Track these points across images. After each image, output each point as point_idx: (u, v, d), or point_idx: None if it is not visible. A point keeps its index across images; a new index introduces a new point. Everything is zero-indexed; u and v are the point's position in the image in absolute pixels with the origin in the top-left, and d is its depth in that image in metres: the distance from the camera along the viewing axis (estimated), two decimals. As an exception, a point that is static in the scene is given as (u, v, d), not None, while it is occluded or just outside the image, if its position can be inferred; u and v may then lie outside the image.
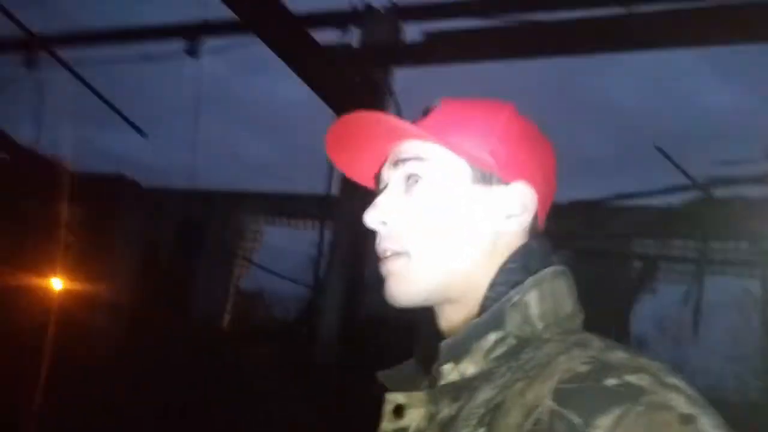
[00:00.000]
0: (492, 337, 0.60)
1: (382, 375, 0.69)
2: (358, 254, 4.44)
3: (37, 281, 7.96)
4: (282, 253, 10.91)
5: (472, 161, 0.66)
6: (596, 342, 0.56)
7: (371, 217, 0.67)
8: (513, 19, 3.38)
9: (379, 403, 0.65)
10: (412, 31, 3.78)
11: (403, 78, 4.07)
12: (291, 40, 3.30)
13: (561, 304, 0.64)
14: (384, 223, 0.67)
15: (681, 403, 0.48)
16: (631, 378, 0.49)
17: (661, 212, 6.09)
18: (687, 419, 0.47)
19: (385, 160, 0.71)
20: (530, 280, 0.63)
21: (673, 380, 0.51)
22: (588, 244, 5.92)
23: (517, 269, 0.64)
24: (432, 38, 3.45)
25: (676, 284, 6.31)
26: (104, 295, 8.73)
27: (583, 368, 0.51)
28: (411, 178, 0.67)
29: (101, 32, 4.80)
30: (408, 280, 0.66)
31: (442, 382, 0.61)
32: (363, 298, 4.71)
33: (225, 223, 9.10)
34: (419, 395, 0.63)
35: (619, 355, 0.53)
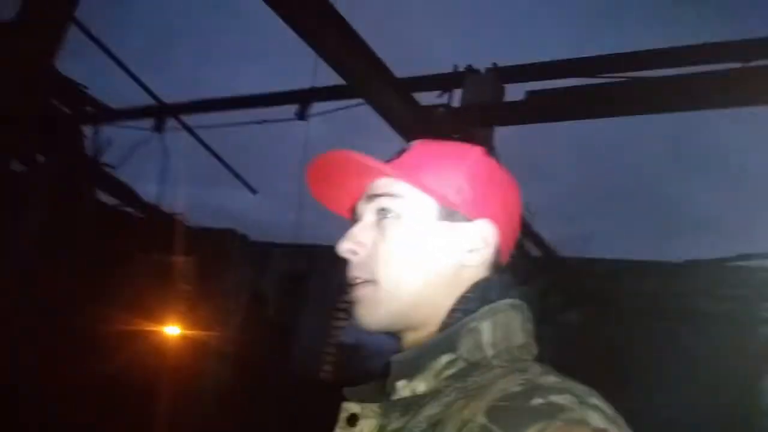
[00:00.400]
0: (444, 358, 0.64)
1: (347, 390, 0.73)
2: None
3: (156, 328, 8.49)
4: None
5: (439, 199, 0.71)
6: (535, 368, 0.61)
7: (343, 247, 0.73)
8: (617, 77, 3.32)
9: None
10: (515, 91, 3.80)
11: (506, 136, 4.08)
12: (395, 103, 3.42)
13: (512, 335, 0.67)
14: (355, 252, 0.72)
15: (596, 420, 0.52)
16: (555, 398, 0.54)
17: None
18: None
19: (362, 195, 0.76)
20: (486, 309, 0.67)
21: (594, 401, 0.55)
22: (709, 306, 5.47)
23: (476, 299, 0.69)
24: (534, 97, 3.45)
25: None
26: (214, 342, 9.16)
27: (516, 389, 0.56)
28: (382, 213, 0.72)
29: (221, 100, 5.21)
30: (374, 306, 0.71)
31: (395, 397, 0.65)
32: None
33: (327, 277, 9.35)
34: (372, 407, 0.67)
35: (550, 379, 0.58)
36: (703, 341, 5.43)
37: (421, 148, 0.76)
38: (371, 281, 0.71)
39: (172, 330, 9.35)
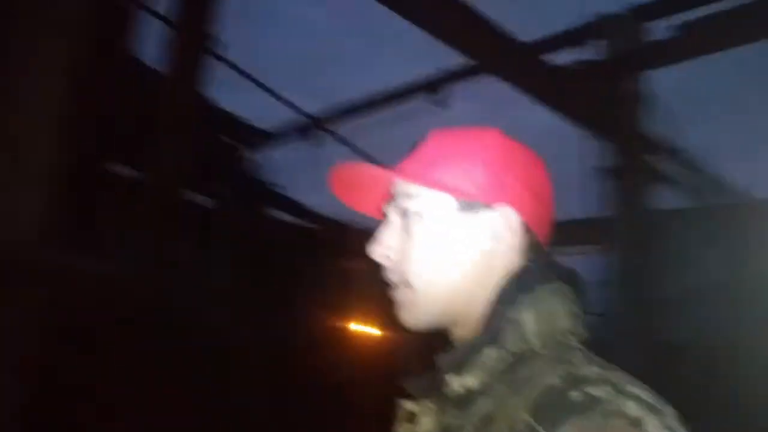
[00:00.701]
0: (490, 352, 0.65)
1: (406, 383, 0.73)
2: (648, 277, 4.10)
3: (355, 328, 9.05)
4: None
5: (454, 192, 0.70)
6: (578, 357, 0.61)
7: (375, 252, 0.73)
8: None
9: None
10: (658, 30, 3.45)
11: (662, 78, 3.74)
12: (529, 72, 3.31)
13: (556, 321, 0.66)
14: (386, 256, 0.73)
15: (632, 409, 0.53)
16: (592, 389, 0.55)
17: None
18: (636, 422, 0.53)
19: (387, 197, 0.76)
20: (527, 298, 0.66)
21: (631, 389, 0.56)
22: None
23: (515, 288, 0.68)
24: (689, 29, 3.10)
25: None
26: (411, 343, 9.47)
27: (557, 382, 0.57)
28: (405, 214, 0.72)
29: (362, 103, 5.41)
30: (412, 308, 0.71)
31: (448, 392, 0.66)
32: (659, 324, 4.30)
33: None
34: (428, 404, 0.70)
35: (590, 369, 0.59)
36: None
37: (435, 139, 0.75)
38: (405, 284, 0.72)
39: (371, 330, 9.88)
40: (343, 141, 6.27)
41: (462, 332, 0.72)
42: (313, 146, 6.00)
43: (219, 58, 5.16)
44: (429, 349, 0.75)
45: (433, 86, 4.88)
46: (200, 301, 6.05)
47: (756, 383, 6.24)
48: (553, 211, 0.74)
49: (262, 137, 6.57)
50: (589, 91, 3.56)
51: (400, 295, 0.73)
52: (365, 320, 9.37)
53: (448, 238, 0.71)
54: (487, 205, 0.70)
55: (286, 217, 8.99)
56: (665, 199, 4.99)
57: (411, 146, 0.76)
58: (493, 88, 4.69)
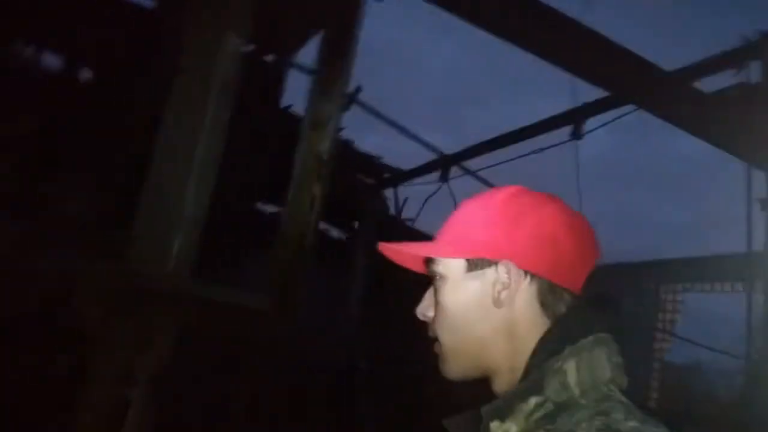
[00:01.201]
0: (533, 401, 0.67)
1: (446, 421, 0.76)
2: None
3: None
4: (711, 321, 9.64)
5: (457, 255, 0.76)
6: (619, 411, 0.63)
7: (418, 311, 0.82)
8: None
9: None
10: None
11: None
12: (674, 100, 3.11)
13: (598, 371, 0.68)
14: (425, 315, 0.81)
15: None
16: None
17: None
18: None
19: None
20: (569, 348, 0.68)
21: None
22: None
23: (557, 339, 0.70)
24: None
25: None
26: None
27: None
28: (434, 277, 0.80)
29: (493, 140, 5.39)
30: (445, 362, 0.78)
31: None
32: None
33: (638, 294, 8.63)
34: None
35: (628, 425, 0.61)
36: None
37: (461, 207, 0.81)
38: (438, 340, 0.79)
39: None
40: (473, 175, 6.27)
41: (500, 380, 0.76)
42: (444, 182, 6.06)
43: (359, 102, 5.44)
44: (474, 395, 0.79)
45: (569, 119, 4.75)
46: (333, 334, 6.30)
47: None
48: (580, 254, 0.75)
49: (398, 176, 6.76)
50: (743, 116, 3.26)
51: (436, 349, 0.80)
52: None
53: (460, 297, 0.77)
54: (492, 262, 0.75)
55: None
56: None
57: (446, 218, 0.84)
58: (626, 118, 4.49)
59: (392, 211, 7.43)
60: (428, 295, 0.83)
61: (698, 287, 8.41)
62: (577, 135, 4.83)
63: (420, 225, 7.34)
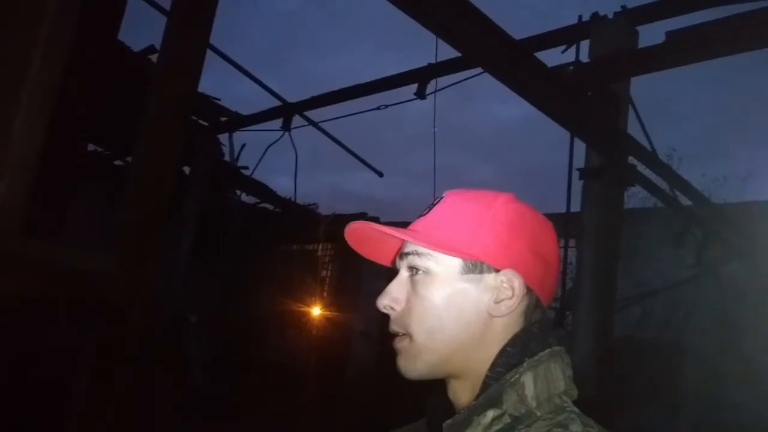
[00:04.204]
0: (490, 414, 0.67)
1: None
2: (607, 273, 4.17)
3: (300, 310, 9.05)
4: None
5: (461, 254, 0.73)
6: (576, 423, 0.64)
7: (381, 303, 0.77)
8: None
9: None
10: (650, 34, 3.46)
11: (641, 82, 3.76)
12: (519, 69, 3.26)
13: (554, 384, 0.69)
14: (392, 308, 0.77)
15: None
16: None
17: None
18: None
19: (399, 250, 0.80)
20: (527, 362, 0.69)
21: None
22: None
23: (516, 352, 0.71)
24: (675, 37, 3.11)
25: None
26: (356, 323, 9.56)
27: None
28: (412, 270, 0.76)
29: (341, 91, 5.30)
30: (411, 358, 0.74)
31: None
32: (614, 318, 4.40)
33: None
34: None
35: None
36: None
37: (449, 199, 0.78)
38: (406, 335, 0.75)
39: (316, 311, 9.92)
40: (317, 126, 6.16)
41: (459, 387, 0.75)
42: (286, 131, 5.85)
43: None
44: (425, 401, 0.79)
45: (415, 78, 4.82)
46: (167, 284, 5.92)
47: (695, 378, 6.51)
48: (557, 275, 0.77)
49: (236, 120, 6.39)
50: (573, 91, 3.54)
51: (399, 344, 0.76)
52: (324, 302, 9.35)
53: (453, 297, 0.73)
54: (492, 268, 0.73)
55: (252, 199, 8.83)
56: (637, 199, 5.10)
57: (429, 204, 0.79)
58: (470, 81, 4.68)
59: (227, 157, 7.06)
60: (397, 287, 0.78)
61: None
62: (420, 94, 4.94)
63: (258, 174, 7.08)
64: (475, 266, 0.74)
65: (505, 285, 0.73)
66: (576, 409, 0.69)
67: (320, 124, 5.91)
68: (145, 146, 1.37)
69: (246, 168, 7.42)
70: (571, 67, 3.63)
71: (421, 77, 4.83)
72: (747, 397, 6.33)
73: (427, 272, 0.75)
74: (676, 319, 7.02)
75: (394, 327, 0.77)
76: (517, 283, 0.73)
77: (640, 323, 6.69)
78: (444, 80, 4.83)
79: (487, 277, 0.74)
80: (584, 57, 3.89)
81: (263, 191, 7.75)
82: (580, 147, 4.05)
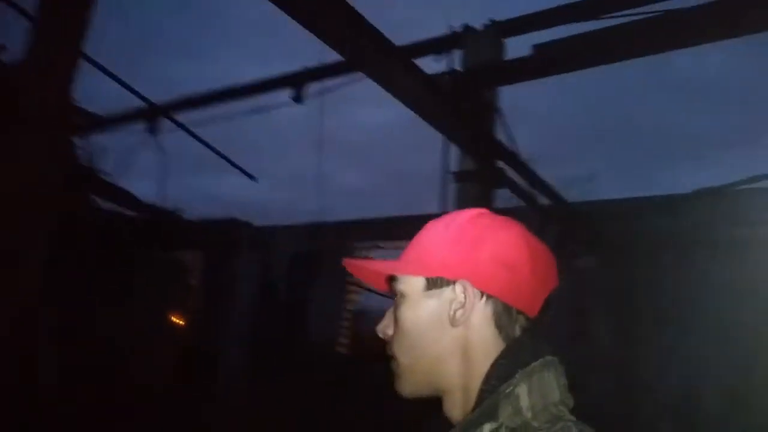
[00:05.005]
0: (487, 427, 0.68)
1: None
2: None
3: (167, 319, 8.59)
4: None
5: (420, 273, 0.77)
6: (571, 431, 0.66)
7: (378, 329, 0.83)
8: (625, 15, 3.21)
9: None
10: (520, 46, 3.69)
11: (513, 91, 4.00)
12: (397, 73, 3.32)
13: (549, 393, 0.70)
14: (384, 333, 0.82)
15: None
16: None
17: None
18: None
19: None
20: (520, 373, 0.70)
21: None
22: (723, 234, 5.47)
23: (508, 364, 0.72)
24: (541, 50, 3.35)
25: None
26: (227, 326, 9.23)
27: None
28: (394, 295, 0.81)
29: (213, 93, 5.09)
30: (399, 379, 0.79)
31: None
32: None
33: (336, 252, 9.31)
34: None
35: None
36: (727, 269, 5.43)
37: (427, 227, 0.82)
38: (394, 358, 0.80)
39: (184, 320, 9.44)
40: (186, 130, 5.86)
41: (453, 402, 0.76)
42: (151, 135, 5.50)
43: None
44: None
45: (291, 82, 4.75)
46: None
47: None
48: (537, 279, 0.76)
49: (94, 121, 5.88)
50: (449, 98, 3.69)
51: (392, 366, 0.80)
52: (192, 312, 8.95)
53: (418, 314, 0.77)
54: (450, 281, 0.75)
55: (110, 206, 8.20)
56: (501, 200, 5.42)
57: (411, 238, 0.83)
58: (346, 87, 4.71)
59: (84, 161, 6.47)
60: (388, 314, 0.82)
61: (390, 245, 9.46)
62: (298, 98, 4.88)
63: (123, 181, 6.58)
64: (435, 282, 0.77)
65: (458, 295, 0.75)
66: (573, 418, 0.69)
67: (190, 128, 5.62)
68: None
69: (105, 173, 6.86)
70: (447, 76, 3.77)
71: (297, 81, 4.77)
72: (594, 382, 7.01)
73: (402, 295, 0.79)
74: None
75: (388, 350, 0.82)
76: (468, 290, 0.74)
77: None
78: (320, 86, 4.82)
79: (446, 291, 0.76)
80: (457, 66, 4.07)
81: (124, 196, 7.22)
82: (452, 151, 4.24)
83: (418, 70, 3.27)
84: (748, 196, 5.73)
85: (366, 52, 3.13)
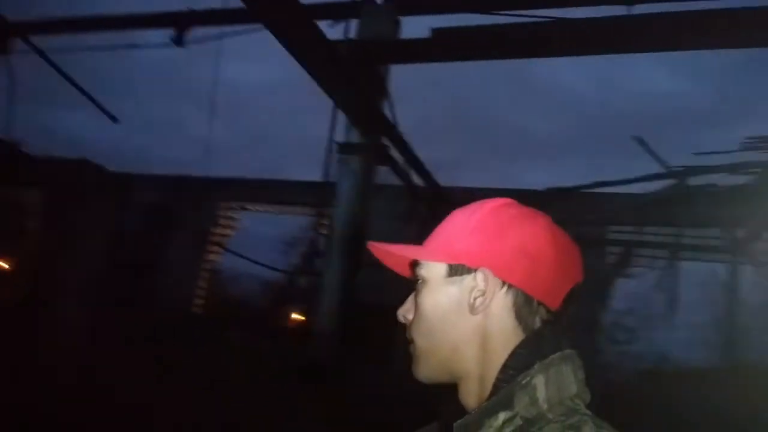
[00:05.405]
0: (502, 416, 0.69)
1: None
2: (357, 240, 4.43)
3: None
4: (260, 239, 10.84)
5: (442, 259, 0.78)
6: (588, 426, 0.66)
7: (399, 312, 0.84)
8: (519, 15, 3.36)
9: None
10: (417, 26, 3.72)
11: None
12: (297, 29, 3.21)
13: (566, 386, 0.71)
14: (405, 318, 0.83)
15: None
16: None
17: (637, 199, 6.24)
18: None
19: None
20: (538, 364, 0.71)
21: None
22: (570, 232, 6.01)
23: (527, 354, 0.72)
24: (440, 35, 3.41)
25: (650, 269, 6.56)
26: (67, 277, 8.49)
27: None
28: (417, 280, 0.82)
29: (78, 19, 4.57)
30: (415, 363, 0.81)
31: None
32: (359, 288, 4.72)
33: (199, 209, 8.90)
34: None
35: None
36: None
37: (452, 214, 0.83)
38: (412, 342, 0.80)
39: (15, 264, 8.57)
40: (40, 54, 5.21)
41: (468, 389, 0.77)
42: (1, 54, 4.82)
43: None
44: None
45: (173, 22, 4.40)
46: None
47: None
48: (560, 271, 0.76)
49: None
50: (345, 66, 3.64)
51: (411, 349, 0.81)
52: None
53: (438, 300, 0.78)
54: (471, 269, 0.76)
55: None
56: (384, 176, 5.52)
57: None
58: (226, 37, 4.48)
59: None
60: (410, 299, 0.83)
61: (257, 207, 9.21)
62: (178, 40, 4.55)
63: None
64: (457, 269, 0.77)
65: (479, 283, 0.75)
66: (588, 412, 0.70)
67: (48, 54, 5.01)
68: None
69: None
70: (344, 44, 3.72)
71: (180, 22, 4.44)
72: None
73: (423, 280, 0.80)
74: (397, 286, 7.91)
75: (407, 334, 0.82)
76: (489, 279, 0.74)
77: (367, 288, 7.26)
78: (205, 32, 4.53)
79: (467, 278, 0.76)
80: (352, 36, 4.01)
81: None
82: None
83: (319, 30, 3.18)
84: (594, 198, 6.37)
85: (267, 3, 2.99)
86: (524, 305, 0.75)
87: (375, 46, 3.70)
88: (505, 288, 0.75)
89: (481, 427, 0.69)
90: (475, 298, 0.75)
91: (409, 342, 0.81)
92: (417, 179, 6.08)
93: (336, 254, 4.33)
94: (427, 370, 0.79)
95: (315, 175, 4.34)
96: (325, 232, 5.42)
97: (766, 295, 8.36)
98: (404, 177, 5.78)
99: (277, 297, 9.22)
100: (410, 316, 0.82)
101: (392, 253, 0.85)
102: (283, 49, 3.38)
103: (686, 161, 6.19)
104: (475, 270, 0.76)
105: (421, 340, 0.79)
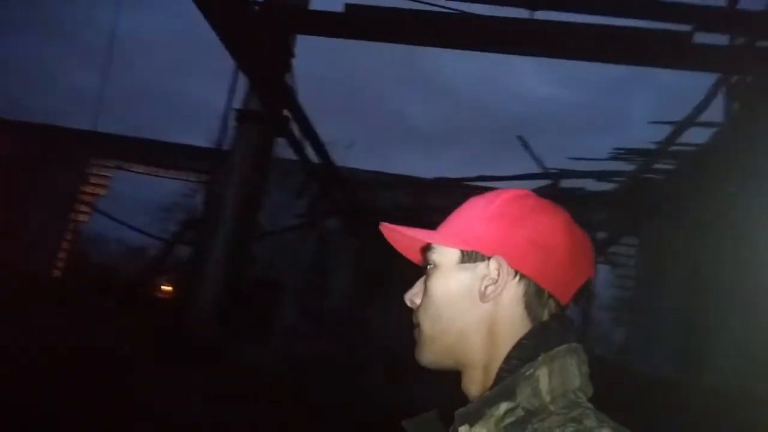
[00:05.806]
0: (503, 406, 0.69)
1: (406, 423, 0.80)
2: (249, 211, 4.32)
3: None
4: (134, 202, 10.14)
5: (456, 245, 0.78)
6: (591, 419, 0.66)
7: (406, 296, 0.84)
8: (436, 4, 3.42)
9: None
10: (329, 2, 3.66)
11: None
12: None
13: (569, 379, 0.71)
14: (412, 302, 0.83)
15: None
16: None
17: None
18: None
19: None
20: (543, 356, 0.71)
21: None
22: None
23: (532, 345, 0.72)
24: (354, 10, 3.38)
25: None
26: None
27: None
28: (427, 264, 0.82)
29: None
30: (420, 348, 0.80)
31: None
32: (248, 259, 4.61)
33: (66, 163, 8.13)
34: None
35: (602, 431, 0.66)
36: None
37: (468, 201, 0.83)
38: (418, 326, 0.80)
39: None
40: None
41: (471, 377, 0.77)
42: None
43: None
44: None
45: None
46: None
47: (291, 313, 7.41)
48: (573, 266, 0.77)
49: None
50: (253, 26, 3.51)
51: (415, 334, 0.80)
52: None
53: (449, 286, 0.77)
54: (485, 256, 0.75)
55: None
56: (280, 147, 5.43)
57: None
58: None
59: None
60: (419, 283, 0.82)
61: (134, 168, 8.60)
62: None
63: None
64: (470, 256, 0.77)
65: (492, 271, 0.74)
66: (591, 406, 0.70)
67: None
68: None
69: None
70: (255, 5, 3.58)
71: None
72: (325, 332, 7.55)
73: (434, 265, 0.79)
74: (282, 261, 7.87)
75: (413, 319, 0.81)
76: (503, 268, 0.74)
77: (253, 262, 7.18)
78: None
79: (480, 266, 0.76)
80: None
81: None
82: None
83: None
84: (476, 191, 6.67)
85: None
86: (535, 296, 0.76)
87: (286, 12, 3.59)
88: (517, 278, 0.75)
89: (482, 416, 0.69)
90: (486, 286, 0.75)
91: (414, 326, 0.81)
92: (314, 156, 6.03)
93: (224, 225, 4.18)
94: (431, 355, 0.79)
95: (197, 140, 4.15)
96: (208, 200, 5.22)
97: (617, 293, 9.33)
98: (300, 151, 5.71)
99: (149, 265, 8.71)
100: (418, 301, 0.81)
101: (405, 236, 0.84)
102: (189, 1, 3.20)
103: (559, 164, 6.70)
104: (489, 258, 0.75)
105: (427, 325, 0.78)
